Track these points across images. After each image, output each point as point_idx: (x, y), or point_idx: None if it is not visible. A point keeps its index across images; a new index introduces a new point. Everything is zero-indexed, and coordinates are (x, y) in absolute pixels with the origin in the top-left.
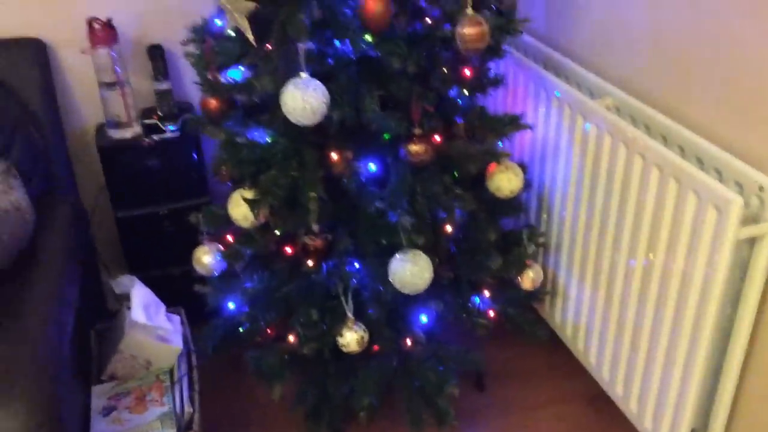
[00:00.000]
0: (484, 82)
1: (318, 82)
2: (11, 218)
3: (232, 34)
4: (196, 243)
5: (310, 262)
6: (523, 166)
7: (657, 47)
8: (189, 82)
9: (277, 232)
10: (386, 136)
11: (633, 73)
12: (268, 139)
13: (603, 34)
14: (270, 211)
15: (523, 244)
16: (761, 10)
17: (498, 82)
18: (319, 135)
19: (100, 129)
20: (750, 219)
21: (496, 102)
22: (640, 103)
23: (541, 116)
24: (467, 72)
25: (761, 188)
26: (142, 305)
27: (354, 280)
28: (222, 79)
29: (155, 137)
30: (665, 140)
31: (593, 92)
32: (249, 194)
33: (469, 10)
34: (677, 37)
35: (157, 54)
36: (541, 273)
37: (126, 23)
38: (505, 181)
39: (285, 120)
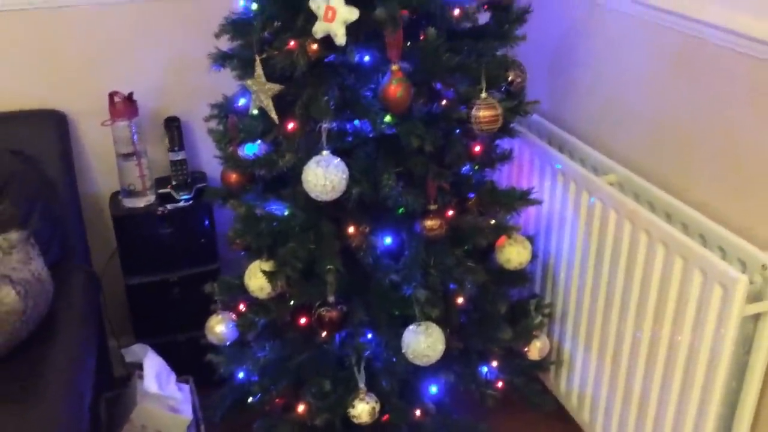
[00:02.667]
0: (493, 158)
1: (339, 160)
2: (34, 289)
3: (256, 112)
4: (205, 310)
5: (324, 333)
6: (530, 238)
7: (659, 128)
8: (203, 151)
9: (292, 303)
10: (401, 210)
11: (636, 152)
12: (287, 212)
13: (606, 114)
14: (287, 283)
15: (530, 314)
16: (758, 97)
17: (506, 157)
18: (336, 209)
19: (114, 197)
20: (754, 296)
21: (503, 175)
22: (644, 181)
23: (546, 190)
24: (478, 148)
25: (764, 266)
26: (155, 375)
27: (367, 351)
28: (242, 154)
29: (168, 206)
30: (669, 217)
31: (597, 168)
32: (267, 266)
33: (484, 94)
34: (678, 119)
35: (173, 126)
36: (548, 343)
37: (145, 96)
38: (514, 254)
39: (304, 194)
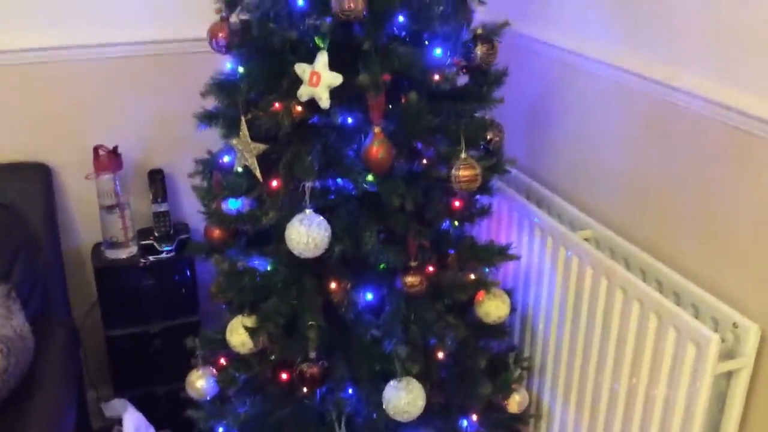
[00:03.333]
0: (473, 213)
1: (321, 218)
2: (15, 347)
3: (240, 170)
4: (186, 362)
5: (305, 389)
6: (508, 291)
7: (634, 186)
8: (186, 203)
9: (273, 358)
10: (382, 266)
11: (612, 209)
12: (269, 268)
13: (582, 171)
14: (268, 338)
15: (509, 368)
16: (728, 162)
17: (485, 212)
18: (319, 264)
19: (97, 248)
20: (726, 353)
21: (482, 229)
22: (620, 238)
23: (525, 244)
24: (458, 204)
25: (735, 325)
26: (134, 430)
27: (348, 406)
28: (225, 209)
29: (151, 258)
30: (644, 274)
31: (574, 224)
32: (249, 322)
33: (463, 154)
34: (652, 178)
35: (157, 178)
36: (527, 396)
37: (130, 148)
38: (493, 308)
39: (287, 250)
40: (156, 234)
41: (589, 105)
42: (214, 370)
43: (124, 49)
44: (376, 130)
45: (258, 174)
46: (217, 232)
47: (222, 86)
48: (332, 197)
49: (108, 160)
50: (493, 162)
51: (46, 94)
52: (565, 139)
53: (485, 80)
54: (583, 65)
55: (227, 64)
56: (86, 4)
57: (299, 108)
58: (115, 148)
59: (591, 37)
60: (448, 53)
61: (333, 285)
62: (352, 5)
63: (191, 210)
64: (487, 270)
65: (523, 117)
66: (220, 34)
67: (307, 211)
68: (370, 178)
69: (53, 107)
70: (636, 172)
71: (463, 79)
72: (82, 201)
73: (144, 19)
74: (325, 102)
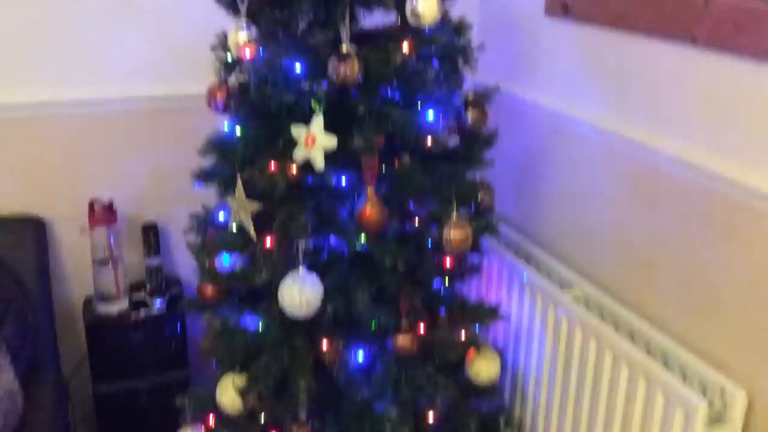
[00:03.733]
0: (463, 270)
1: (315, 278)
2: (4, 405)
3: (235, 228)
4: (174, 417)
5: None
6: (499, 351)
7: (621, 246)
8: (179, 256)
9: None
10: (374, 325)
11: (601, 268)
12: (261, 326)
13: (571, 229)
14: (258, 398)
15: (500, 429)
16: (712, 227)
17: (476, 270)
18: (310, 323)
19: (88, 302)
20: (715, 417)
21: (472, 286)
22: (608, 298)
23: (515, 301)
24: (448, 262)
25: (723, 390)
26: None
27: None
28: (218, 265)
29: (142, 313)
30: (632, 336)
31: (563, 282)
32: (239, 381)
33: (455, 215)
34: (639, 239)
35: (151, 232)
36: None
37: (124, 202)
38: (483, 368)
39: (279, 308)
40: (148, 288)
41: (577, 165)
42: (203, 430)
43: (121, 105)
44: (370, 191)
45: (252, 232)
46: (209, 290)
47: (219, 146)
48: (325, 256)
49: (103, 214)
50: (483, 223)
51: (43, 149)
52: (554, 197)
53: (476, 142)
54: (572, 127)
55: (225, 124)
56: (84, 60)
57: (294, 169)
58: (111, 203)
59: (579, 100)
60: (440, 117)
61: (324, 344)
62: (347, 72)
63: (184, 263)
64: (477, 329)
65: (514, 174)
66: (219, 96)
67: (300, 269)
68: (363, 238)
69: (49, 161)
70: (623, 233)
71: (454, 140)
72: (75, 254)
73: (142, 76)
74: (319, 164)
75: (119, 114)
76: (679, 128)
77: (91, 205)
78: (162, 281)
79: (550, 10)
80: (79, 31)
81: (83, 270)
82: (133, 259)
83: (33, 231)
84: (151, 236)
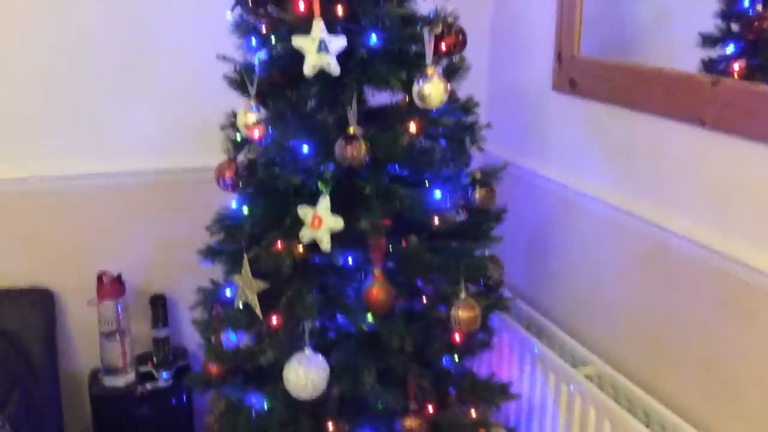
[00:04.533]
0: (472, 346)
1: (320, 359)
2: None
3: (241, 306)
4: None
5: None
6: (510, 429)
7: (633, 323)
8: (187, 326)
9: None
10: (381, 407)
11: (613, 344)
12: (266, 406)
13: (583, 304)
14: None
15: None
16: (723, 307)
17: (486, 344)
18: (316, 404)
19: (94, 374)
20: None
21: (482, 362)
22: (622, 376)
23: (526, 377)
24: (457, 338)
25: None
26: None
27: None
28: (224, 342)
29: (148, 386)
30: (647, 416)
31: (575, 358)
32: None
33: (463, 294)
34: (651, 316)
35: (159, 303)
36: None
37: (132, 273)
38: None
39: (284, 389)
40: (155, 360)
41: (587, 239)
42: None
43: (131, 177)
44: (376, 272)
45: (258, 311)
46: (215, 368)
47: (226, 224)
48: (332, 335)
49: (111, 287)
50: (493, 299)
51: (52, 221)
52: (565, 270)
53: (485, 219)
54: (581, 201)
55: (233, 202)
56: (96, 134)
57: (301, 248)
58: (119, 275)
59: (587, 174)
60: (448, 196)
61: (331, 427)
62: (354, 154)
63: (192, 334)
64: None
65: (524, 245)
66: (227, 174)
67: (306, 350)
68: (369, 318)
69: (58, 233)
70: (635, 310)
71: (462, 216)
72: (83, 326)
73: (152, 149)
74: (326, 245)
75: (129, 186)
76: (688, 207)
77: (100, 278)
78: (169, 353)
79: (557, 86)
80: (92, 104)
81: (90, 342)
82: (141, 330)
83: (41, 303)
84: (159, 308)
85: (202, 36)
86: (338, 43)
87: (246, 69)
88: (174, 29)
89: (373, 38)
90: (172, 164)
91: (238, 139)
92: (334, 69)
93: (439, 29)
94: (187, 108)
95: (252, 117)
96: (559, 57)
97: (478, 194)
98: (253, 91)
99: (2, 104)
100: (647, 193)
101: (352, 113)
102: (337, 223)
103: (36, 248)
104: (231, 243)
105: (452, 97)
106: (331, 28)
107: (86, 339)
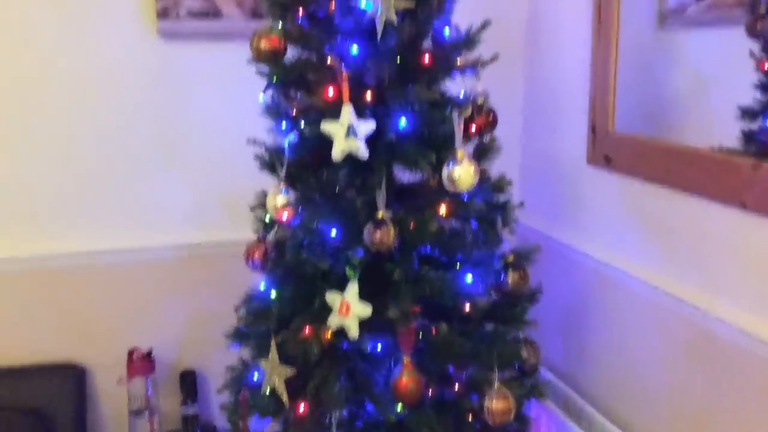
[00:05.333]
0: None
1: None
2: None
3: (268, 392)
4: None
5: None
6: None
7: (675, 408)
8: (216, 403)
9: None
10: None
11: (654, 430)
12: None
13: (622, 385)
14: None
15: None
16: None
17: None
18: None
19: None
20: None
21: None
22: None
23: None
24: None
25: None
26: None
27: None
28: (251, 427)
29: None
30: None
31: None
32: None
33: (497, 383)
34: (694, 402)
35: (188, 380)
36: None
37: (163, 349)
38: None
39: None
40: None
41: (626, 318)
42: None
43: (163, 252)
44: (406, 360)
45: (285, 398)
46: None
47: (254, 308)
48: (359, 424)
49: (141, 364)
50: (529, 386)
51: (83, 296)
52: (603, 348)
53: (518, 300)
54: (619, 278)
55: (261, 284)
56: (128, 210)
57: (329, 334)
58: (150, 352)
59: (624, 251)
60: (479, 280)
61: None
62: (383, 239)
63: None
64: None
65: (560, 320)
66: (256, 254)
67: None
68: (399, 407)
69: (89, 309)
70: (678, 395)
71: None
72: (112, 403)
73: (184, 222)
74: (354, 332)
75: (162, 260)
76: (733, 293)
77: (130, 355)
78: (198, 431)
79: (592, 160)
80: (126, 181)
81: (119, 418)
82: (170, 405)
83: (72, 379)
84: (189, 384)
85: (235, 115)
86: (367, 127)
87: (276, 151)
88: (207, 108)
89: (403, 121)
90: (205, 238)
91: (267, 219)
92: (363, 153)
93: (468, 112)
94: (220, 183)
95: (281, 199)
96: (593, 131)
97: (510, 278)
98: (282, 173)
99: (38, 179)
100: (689, 276)
101: (381, 197)
102: (365, 310)
103: (68, 323)
104: (258, 326)
105: (483, 176)
106: (360, 112)
107: (115, 415)
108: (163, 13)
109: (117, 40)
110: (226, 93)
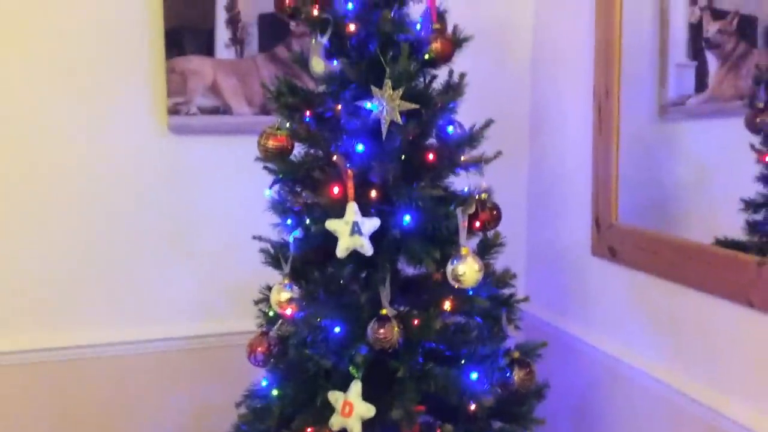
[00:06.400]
0: None
1: None
2: None
3: None
4: None
5: None
6: None
7: None
8: None
9: None
10: None
11: None
12: None
13: None
14: None
15: None
16: None
17: None
18: None
19: None
20: None
21: None
22: None
23: None
24: None
25: None
26: None
27: None
28: None
29: None
30: None
31: None
32: None
33: None
34: None
35: None
36: None
37: None
38: None
39: None
40: None
41: (636, 414)
42: None
43: (165, 343)
44: None
45: None
46: None
47: (255, 406)
48: None
49: None
50: None
51: (83, 390)
52: None
53: (525, 397)
54: (627, 373)
55: (263, 381)
56: (132, 301)
57: None
58: None
59: (633, 345)
60: (485, 377)
61: None
62: (387, 336)
63: None
64: None
65: (568, 415)
66: (259, 350)
67: None
68: None
69: (90, 402)
70: None
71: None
72: None
73: (187, 315)
74: None
75: (165, 352)
76: (743, 392)
77: None
78: None
79: (596, 252)
80: (129, 272)
81: None
82: None
83: None
84: None
85: (242, 208)
86: (371, 224)
87: (281, 247)
88: (215, 201)
89: (407, 219)
90: (209, 330)
91: (271, 314)
92: (368, 250)
93: (472, 209)
94: (225, 275)
95: (285, 295)
96: (596, 223)
97: (516, 376)
98: (286, 268)
99: (44, 271)
100: (699, 372)
101: (385, 294)
102: (369, 411)
103: (70, 415)
104: (259, 425)
105: (488, 270)
106: (365, 210)
107: None
108: (174, 110)
109: (128, 134)
110: (233, 186)
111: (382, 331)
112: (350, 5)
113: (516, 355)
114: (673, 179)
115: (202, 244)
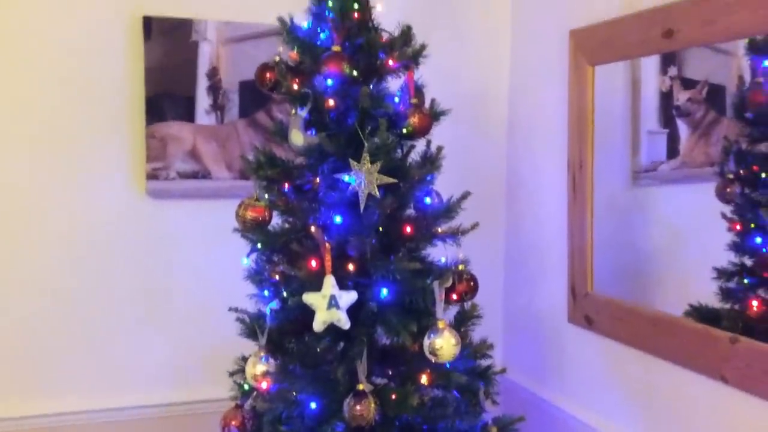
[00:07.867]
0: None
1: None
2: None
3: None
4: None
5: None
6: None
7: None
8: None
9: None
10: None
11: None
12: None
13: None
14: None
15: None
16: None
17: None
18: None
19: None
20: None
21: None
22: None
23: None
24: None
25: None
26: None
27: None
28: None
29: None
30: None
31: None
32: None
33: None
34: None
35: None
36: None
37: None
38: None
39: None
40: None
41: None
42: None
43: (140, 411)
44: None
45: None
46: None
47: None
48: None
49: None
50: None
51: None
52: None
53: None
54: None
55: None
56: (106, 368)
57: None
58: None
59: (610, 415)
60: None
61: None
62: (363, 413)
63: None
64: None
65: None
66: (233, 423)
67: None
68: None
69: None
70: None
71: None
72: None
73: (162, 382)
74: None
75: (139, 419)
76: None
77: None
78: None
79: (573, 319)
80: (103, 338)
81: None
82: None
83: None
84: None
85: (218, 273)
86: (349, 298)
87: (257, 318)
88: (191, 265)
89: (384, 292)
90: (185, 397)
91: (246, 387)
92: (345, 324)
93: (449, 283)
94: (201, 341)
95: (260, 368)
96: (572, 292)
97: None
98: (263, 340)
99: (14, 338)
100: None
101: (362, 369)
102: None
103: None
104: None
105: (465, 342)
106: (342, 283)
107: None
108: (152, 175)
109: (106, 198)
110: (210, 251)
111: (358, 407)
112: (329, 81)
113: (494, 430)
114: (648, 244)
115: (178, 310)
